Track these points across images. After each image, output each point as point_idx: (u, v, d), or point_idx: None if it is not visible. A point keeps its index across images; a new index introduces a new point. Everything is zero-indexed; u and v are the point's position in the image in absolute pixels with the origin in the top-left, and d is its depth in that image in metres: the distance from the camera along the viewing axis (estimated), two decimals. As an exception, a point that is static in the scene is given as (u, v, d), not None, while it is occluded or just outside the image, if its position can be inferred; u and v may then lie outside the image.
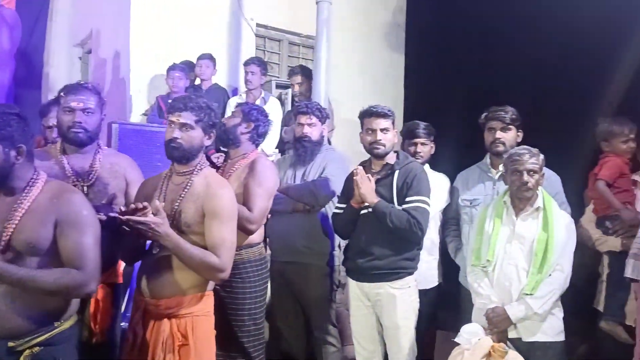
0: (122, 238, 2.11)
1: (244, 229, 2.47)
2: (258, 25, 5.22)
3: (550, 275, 2.43)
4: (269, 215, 2.95)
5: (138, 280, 2.17)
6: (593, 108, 3.21)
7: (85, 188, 2.28)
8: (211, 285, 2.16)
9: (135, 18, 4.58)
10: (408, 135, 3.20)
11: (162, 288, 2.06)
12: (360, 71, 5.76)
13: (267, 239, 3.13)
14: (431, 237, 3.11)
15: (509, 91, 4.06)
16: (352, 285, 2.81)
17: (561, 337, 2.49)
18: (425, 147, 3.18)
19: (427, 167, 3.15)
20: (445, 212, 3.18)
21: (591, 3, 3.73)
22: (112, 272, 2.42)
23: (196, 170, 2.15)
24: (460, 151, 3.73)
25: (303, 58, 5.54)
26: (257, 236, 2.67)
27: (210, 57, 4.40)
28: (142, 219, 1.90)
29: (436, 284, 3.15)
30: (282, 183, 3.14)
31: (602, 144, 2.85)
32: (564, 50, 3.95)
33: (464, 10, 4.77)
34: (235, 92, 4.82)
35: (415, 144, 3.16)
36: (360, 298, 2.77)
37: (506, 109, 2.90)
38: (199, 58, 4.39)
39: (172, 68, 4.21)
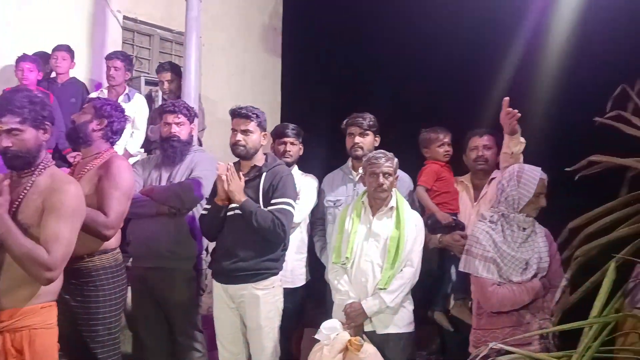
0: None
1: (99, 235, 2.34)
2: (126, 18, 4.95)
3: (401, 270, 2.59)
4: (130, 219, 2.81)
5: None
6: (445, 116, 3.49)
7: None
8: (53, 295, 2.00)
9: (-19, 1, 4.11)
10: (277, 135, 3.26)
11: (-5, 300, 1.88)
12: (238, 72, 5.72)
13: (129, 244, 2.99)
14: (301, 236, 3.20)
15: (375, 96, 4.30)
16: (217, 287, 2.77)
17: (411, 328, 2.67)
18: (294, 147, 3.25)
19: (295, 168, 3.22)
20: (313, 212, 3.28)
21: (456, 17, 4.03)
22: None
23: (38, 169, 2.00)
24: (332, 154, 3.85)
25: (176, 55, 5.35)
26: (114, 241, 2.50)
27: (67, 49, 4.07)
28: None
29: (304, 282, 3.23)
30: (146, 184, 3.02)
31: (423, 151, 3.14)
32: (426, 60, 4.23)
33: (338, 17, 4.94)
34: (98, 87, 4.51)
35: (285, 143, 3.22)
36: (224, 300, 2.74)
37: (364, 116, 3.05)
38: (55, 49, 4.05)
39: (22, 59, 3.84)
